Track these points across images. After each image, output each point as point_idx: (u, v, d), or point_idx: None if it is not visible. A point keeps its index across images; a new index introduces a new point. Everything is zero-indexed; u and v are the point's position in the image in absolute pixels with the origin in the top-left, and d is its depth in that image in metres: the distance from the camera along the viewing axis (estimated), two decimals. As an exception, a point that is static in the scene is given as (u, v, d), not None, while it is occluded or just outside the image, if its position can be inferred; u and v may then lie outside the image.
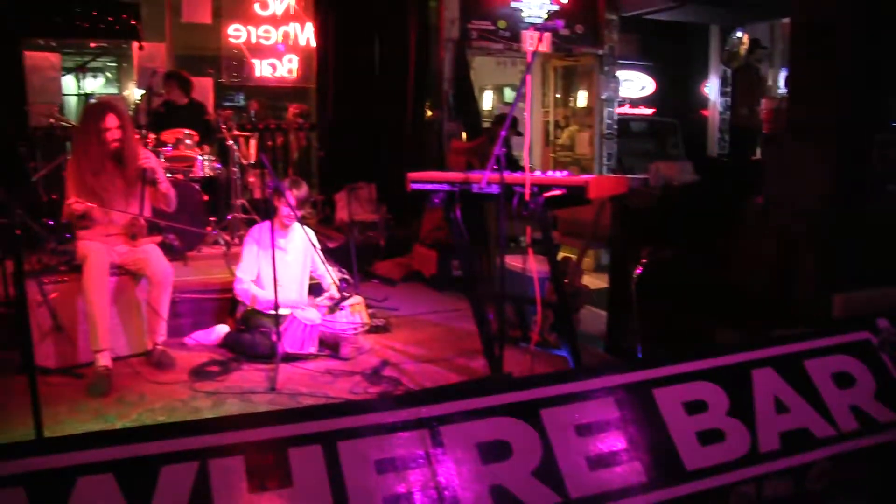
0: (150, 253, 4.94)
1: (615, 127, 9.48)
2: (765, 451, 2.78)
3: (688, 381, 2.80)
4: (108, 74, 13.24)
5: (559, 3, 8.55)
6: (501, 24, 8.43)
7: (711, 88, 10.95)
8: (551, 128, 10.60)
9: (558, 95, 10.46)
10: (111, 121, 4.85)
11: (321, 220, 9.04)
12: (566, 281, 4.84)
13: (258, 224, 5.56)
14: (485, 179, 3.59)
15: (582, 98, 9.86)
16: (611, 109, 9.41)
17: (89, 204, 4.76)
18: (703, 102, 11.52)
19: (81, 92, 12.95)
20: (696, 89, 12.14)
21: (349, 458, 2.20)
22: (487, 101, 13.49)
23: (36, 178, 6.68)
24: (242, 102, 12.48)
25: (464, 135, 8.34)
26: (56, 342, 4.84)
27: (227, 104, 12.31)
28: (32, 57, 9.08)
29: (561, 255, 5.56)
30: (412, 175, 4.20)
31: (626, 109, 11.97)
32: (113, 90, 12.79)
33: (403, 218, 8.18)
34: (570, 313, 4.14)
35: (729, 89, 10.53)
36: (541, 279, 3.86)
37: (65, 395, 4.42)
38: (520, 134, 7.65)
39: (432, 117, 8.51)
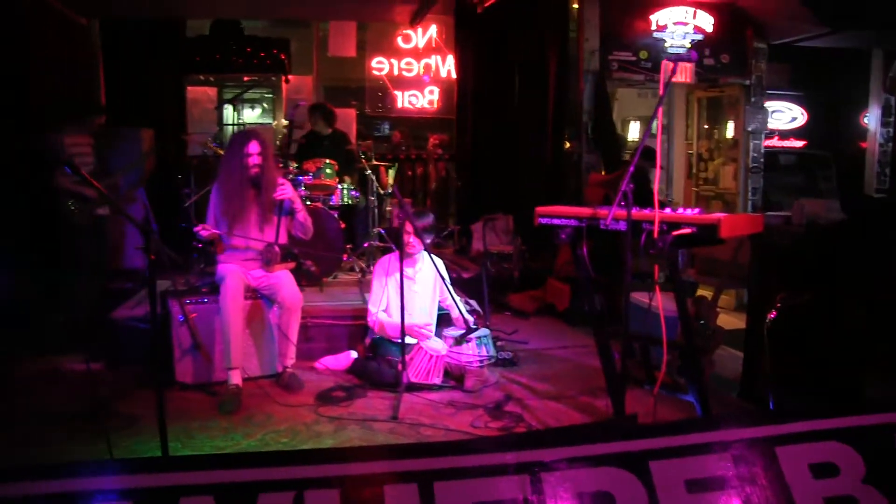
0: (283, 279, 5.11)
1: (762, 160, 9.02)
2: (910, 529, 2.49)
3: (817, 440, 2.55)
4: (265, 105, 13.91)
5: (703, 33, 8.26)
6: (643, 54, 8.25)
7: (871, 118, 10.24)
8: (694, 161, 10.25)
9: (705, 126, 10.10)
10: (253, 147, 5.08)
11: (458, 250, 9.13)
12: (701, 322, 4.63)
13: (387, 254, 5.65)
14: (610, 216, 3.50)
15: (727, 130, 9.49)
16: (757, 142, 8.96)
17: (215, 231, 4.99)
18: (861, 134, 10.79)
19: (239, 122, 13.76)
20: (854, 120, 11.40)
21: (445, 499, 2.15)
22: (634, 132, 13.24)
23: (188, 203, 7.09)
24: (388, 132, 12.86)
25: (603, 168, 8.18)
26: (194, 360, 5.10)
27: (377, 134, 12.73)
28: (193, 91, 9.78)
29: (698, 293, 5.34)
30: (540, 209, 4.15)
31: (775, 142, 11.41)
32: (268, 120, 13.44)
33: (539, 250, 8.11)
34: (699, 355, 3.94)
35: (892, 119, 9.81)
36: (671, 318, 3.70)
37: (198, 411, 4.63)
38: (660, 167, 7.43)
39: (571, 149, 8.41)
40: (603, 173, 8.01)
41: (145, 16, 8.53)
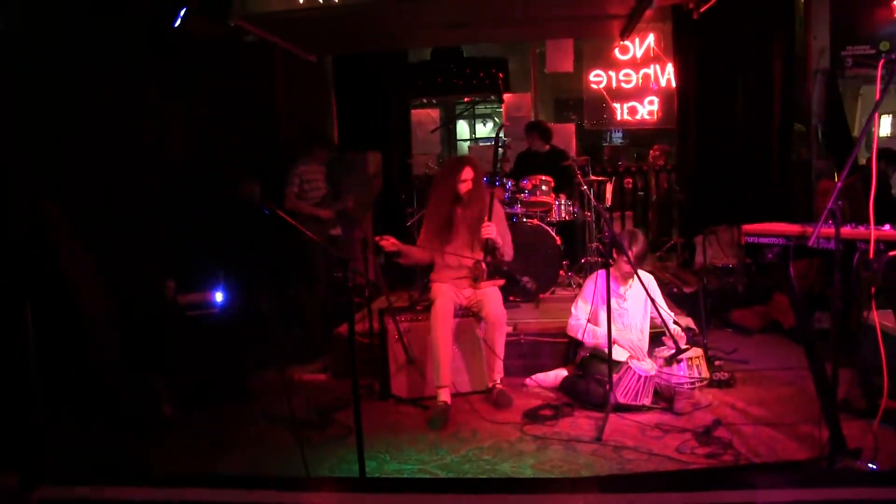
0: (489, 295, 5.27)
1: None
2: None
3: None
4: (496, 119, 14.30)
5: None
6: (884, 45, 7.50)
7: None
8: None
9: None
10: (467, 173, 5.34)
11: (681, 263, 8.83)
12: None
13: (600, 270, 5.60)
14: (814, 235, 3.24)
15: None
16: None
17: (397, 243, 5.20)
18: None
19: (473, 137, 14.31)
20: None
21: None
22: (885, 127, 12.10)
23: (410, 222, 7.47)
24: (620, 142, 12.73)
25: (836, 174, 7.57)
26: (409, 374, 5.36)
27: (604, 143, 12.67)
28: (417, 114, 10.31)
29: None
30: (746, 227, 3.95)
31: None
32: (500, 134, 13.78)
33: (765, 263, 7.63)
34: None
35: None
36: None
37: (410, 425, 4.87)
38: (900, 171, 6.73)
39: (800, 156, 7.85)
40: (836, 180, 7.41)
41: (372, 49, 9.10)
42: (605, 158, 11.27)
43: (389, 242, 5.18)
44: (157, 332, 5.37)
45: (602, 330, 5.09)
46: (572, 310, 5.45)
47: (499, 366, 5.24)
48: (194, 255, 6.06)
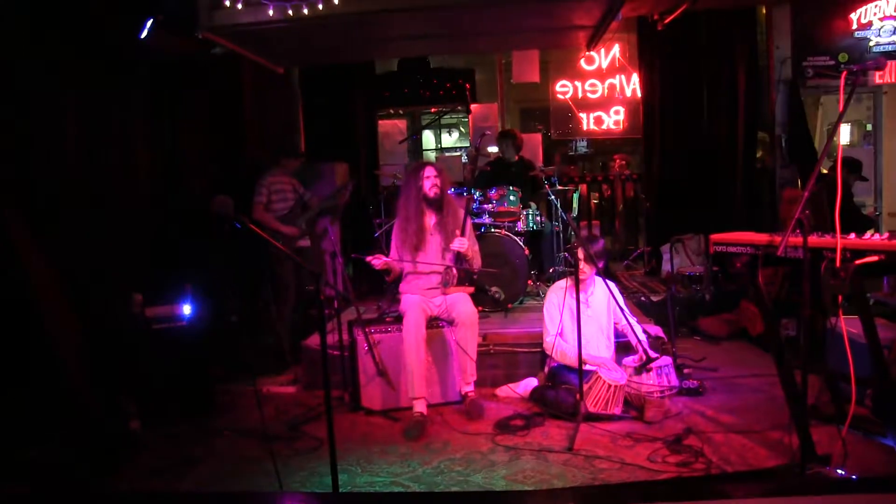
0: (458, 298, 5.29)
1: None
2: None
3: None
4: (461, 129, 14.29)
5: (920, 27, 7.57)
6: (843, 57, 7.69)
7: None
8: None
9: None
10: (429, 171, 5.39)
11: (648, 272, 8.90)
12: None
13: (560, 280, 5.62)
14: (782, 245, 3.28)
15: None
16: None
17: (387, 260, 5.26)
18: None
19: (439, 147, 14.28)
20: None
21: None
22: (844, 136, 12.32)
23: (378, 233, 7.43)
24: (585, 150, 12.77)
25: (799, 182, 7.70)
26: (381, 386, 5.32)
27: (570, 153, 12.72)
28: (384, 125, 10.29)
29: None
30: (714, 237, 3.98)
31: None
32: (465, 144, 13.82)
33: (734, 272, 7.74)
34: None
35: None
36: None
37: (381, 436, 4.83)
38: (864, 179, 6.86)
39: (764, 164, 7.96)
40: (800, 188, 7.54)
41: (339, 61, 9.07)
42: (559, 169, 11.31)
43: (381, 261, 5.20)
44: (123, 346, 5.29)
45: (571, 348, 5.09)
46: (544, 333, 5.45)
47: (471, 368, 5.22)
48: (161, 267, 5.97)
